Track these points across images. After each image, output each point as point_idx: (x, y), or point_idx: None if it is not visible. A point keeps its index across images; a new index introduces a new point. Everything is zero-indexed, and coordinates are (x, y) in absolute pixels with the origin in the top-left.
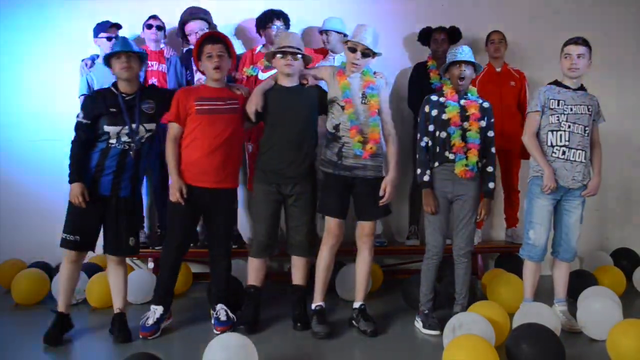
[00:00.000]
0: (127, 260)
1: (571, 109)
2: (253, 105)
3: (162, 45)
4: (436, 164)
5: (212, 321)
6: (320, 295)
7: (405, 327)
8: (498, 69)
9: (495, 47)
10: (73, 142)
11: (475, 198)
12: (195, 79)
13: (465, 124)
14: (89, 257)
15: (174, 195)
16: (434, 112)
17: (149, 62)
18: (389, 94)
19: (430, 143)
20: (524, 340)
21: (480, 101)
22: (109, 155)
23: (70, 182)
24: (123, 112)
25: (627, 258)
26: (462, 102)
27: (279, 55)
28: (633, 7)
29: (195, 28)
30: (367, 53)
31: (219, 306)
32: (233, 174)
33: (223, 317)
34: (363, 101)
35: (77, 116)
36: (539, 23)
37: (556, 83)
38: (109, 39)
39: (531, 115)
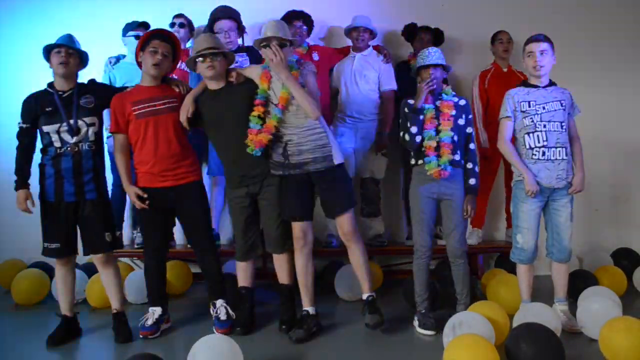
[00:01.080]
0: (127, 260)
1: (543, 108)
2: (184, 114)
3: (188, 44)
4: (420, 161)
5: (213, 320)
6: (307, 300)
7: (406, 327)
8: (504, 69)
9: (504, 47)
10: (17, 149)
11: (462, 197)
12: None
13: (439, 126)
14: (89, 257)
15: (135, 202)
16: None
17: None
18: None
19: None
20: (524, 340)
21: (456, 100)
22: (61, 162)
23: (15, 189)
24: (59, 109)
25: (627, 258)
26: (438, 103)
27: (199, 60)
28: (633, 6)
29: (225, 27)
30: (283, 44)
31: (219, 302)
32: (192, 167)
33: (223, 316)
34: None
35: (18, 123)
36: (539, 23)
37: (524, 84)
38: (136, 37)
39: (502, 122)
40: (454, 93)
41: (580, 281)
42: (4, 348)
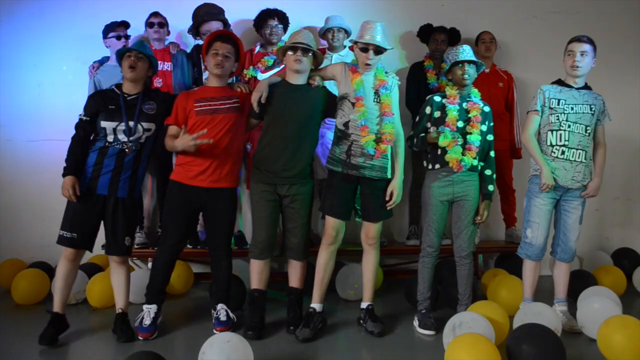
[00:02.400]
0: (129, 261)
1: (572, 108)
2: (258, 93)
3: (166, 43)
4: (437, 166)
5: (213, 321)
6: (316, 296)
7: (406, 327)
8: (486, 70)
9: (486, 47)
10: (72, 138)
11: (474, 200)
12: (204, 77)
13: (468, 127)
14: (88, 257)
15: (192, 140)
16: (437, 114)
17: None
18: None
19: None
20: (525, 340)
21: (482, 104)
22: (107, 155)
23: (64, 175)
24: (122, 110)
25: (627, 258)
26: (465, 104)
27: (289, 52)
28: (632, 6)
29: (212, 28)
30: (380, 50)
31: (220, 306)
32: (231, 174)
33: (223, 317)
34: (375, 100)
35: (80, 115)
36: (539, 23)
37: (559, 82)
38: (117, 37)
39: (530, 115)
40: (480, 96)
41: (580, 281)
42: (4, 348)
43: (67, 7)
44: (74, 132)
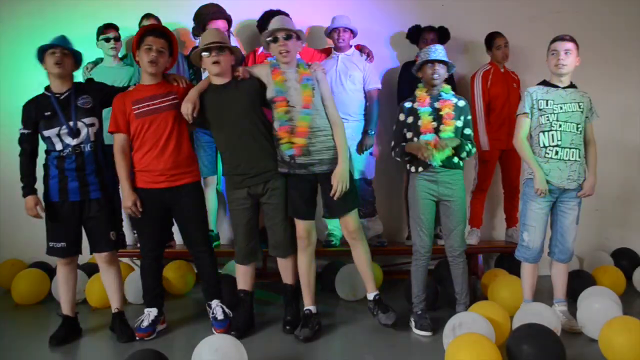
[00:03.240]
0: (127, 260)
1: (561, 108)
2: (190, 105)
3: None
4: (420, 168)
5: (211, 321)
6: (307, 299)
7: (406, 327)
8: (502, 70)
9: (503, 53)
10: (20, 156)
11: (461, 199)
12: (203, 77)
13: (441, 126)
14: (89, 257)
15: (128, 209)
16: (410, 119)
17: None
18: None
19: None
20: (525, 340)
21: (455, 100)
22: (65, 162)
23: (23, 196)
24: (58, 113)
25: (627, 258)
26: (436, 103)
27: (204, 54)
28: (632, 6)
29: (219, 27)
30: (289, 35)
31: (215, 302)
32: (190, 168)
33: (220, 316)
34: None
35: (20, 129)
36: (539, 23)
37: (544, 83)
38: (107, 40)
39: (520, 118)
40: (452, 93)
41: (579, 281)
42: (4, 348)
43: (67, 7)
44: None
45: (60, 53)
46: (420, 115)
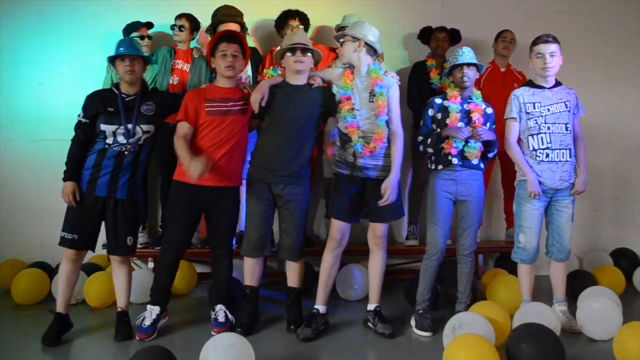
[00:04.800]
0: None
1: (548, 110)
2: (259, 95)
3: (193, 44)
4: (440, 166)
5: (212, 321)
6: (320, 298)
7: (406, 327)
8: (502, 69)
9: (505, 45)
10: (72, 141)
11: (478, 199)
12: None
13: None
14: (89, 257)
15: (195, 172)
16: (439, 115)
17: (176, 60)
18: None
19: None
20: (524, 340)
21: (484, 106)
22: (106, 156)
23: (64, 179)
24: (120, 112)
25: (626, 258)
26: (466, 106)
27: (288, 54)
28: (632, 5)
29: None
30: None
31: (219, 307)
32: (236, 173)
33: (221, 319)
34: (371, 99)
35: (78, 115)
36: (539, 23)
37: (530, 84)
38: (141, 37)
39: (508, 123)
40: (482, 99)
41: (579, 281)
42: (4, 348)
43: (67, 7)
44: (73, 133)
45: (129, 60)
46: (450, 112)
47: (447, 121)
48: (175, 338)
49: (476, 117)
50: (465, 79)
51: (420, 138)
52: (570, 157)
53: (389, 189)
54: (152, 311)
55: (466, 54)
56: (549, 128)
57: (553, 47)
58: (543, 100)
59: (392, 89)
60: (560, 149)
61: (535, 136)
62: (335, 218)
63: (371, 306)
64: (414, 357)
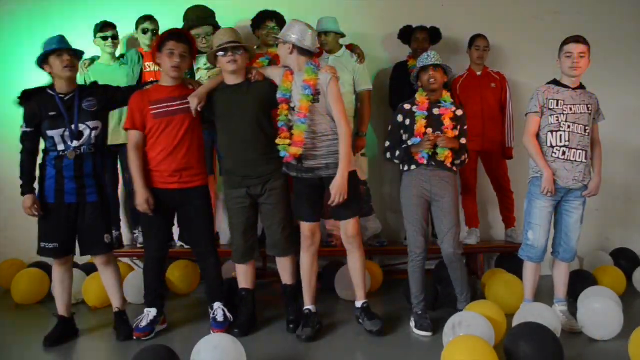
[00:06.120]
0: (127, 260)
1: (570, 109)
2: (196, 100)
3: None
4: (412, 167)
5: (210, 321)
6: (308, 298)
7: (406, 327)
8: (478, 73)
9: (479, 55)
10: (22, 154)
11: (453, 200)
12: (197, 77)
13: (438, 133)
14: (88, 257)
15: (141, 206)
16: (407, 122)
17: (145, 64)
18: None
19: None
20: (524, 340)
21: (454, 109)
22: (64, 164)
23: (22, 194)
24: (63, 114)
25: (626, 258)
26: (435, 110)
27: (220, 54)
28: (632, 6)
29: (202, 32)
30: (282, 42)
31: (217, 305)
32: (200, 172)
33: (220, 318)
34: (313, 100)
35: (21, 127)
36: (539, 23)
37: (555, 82)
38: (104, 38)
39: (530, 117)
40: (452, 101)
41: (580, 281)
42: (4, 348)
43: (67, 7)
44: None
45: (68, 55)
46: (416, 119)
47: (415, 126)
48: (174, 338)
49: (447, 122)
50: (432, 80)
51: (388, 144)
52: (586, 158)
53: (334, 190)
54: (149, 313)
55: (432, 57)
56: (569, 127)
57: (583, 47)
58: (567, 99)
59: (329, 85)
60: (577, 149)
61: (554, 133)
62: (301, 220)
63: (358, 303)
64: (414, 357)
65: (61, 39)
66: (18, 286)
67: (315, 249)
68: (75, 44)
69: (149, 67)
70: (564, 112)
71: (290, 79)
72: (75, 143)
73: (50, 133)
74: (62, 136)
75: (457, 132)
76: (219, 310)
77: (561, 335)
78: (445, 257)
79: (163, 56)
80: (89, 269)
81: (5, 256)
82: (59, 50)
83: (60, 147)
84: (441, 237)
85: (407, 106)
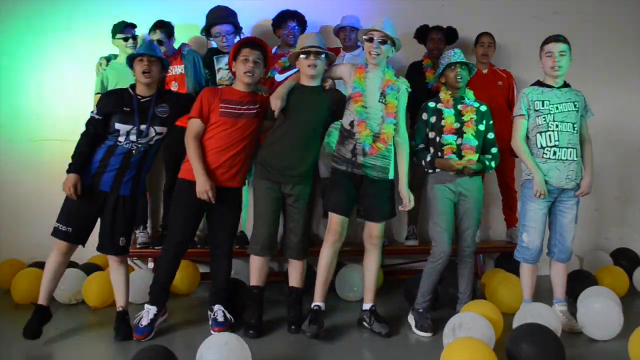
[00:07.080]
0: (127, 260)
1: (557, 108)
2: (279, 101)
3: (177, 44)
4: (437, 169)
5: (210, 322)
6: (319, 295)
7: (406, 327)
8: (485, 71)
9: (483, 51)
10: (81, 135)
11: (478, 198)
12: (218, 77)
13: (463, 128)
14: (89, 257)
15: (201, 194)
16: (432, 119)
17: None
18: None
19: (429, 147)
20: (524, 340)
21: (477, 105)
22: (114, 153)
23: (68, 171)
24: (135, 113)
25: (626, 258)
26: (459, 106)
27: (302, 56)
28: (632, 6)
29: (223, 31)
30: (385, 40)
31: (217, 307)
32: (241, 175)
33: (220, 318)
34: (381, 100)
35: (91, 112)
36: (540, 23)
37: (539, 83)
38: (125, 39)
39: (517, 120)
40: (475, 98)
41: (580, 281)
42: (4, 348)
43: (67, 7)
44: (79, 130)
45: (147, 61)
46: (445, 117)
47: (442, 123)
48: (175, 338)
49: (468, 118)
50: (458, 77)
51: (421, 145)
52: (577, 156)
53: (406, 195)
54: (149, 311)
55: (458, 55)
56: (557, 126)
57: (563, 46)
58: (552, 99)
59: (403, 94)
60: (567, 148)
61: (543, 134)
62: (334, 212)
63: (367, 305)
64: (414, 357)
65: (146, 46)
66: (18, 286)
67: (339, 246)
68: (75, 44)
69: (170, 70)
70: (551, 112)
71: (364, 75)
72: (137, 140)
73: (117, 126)
74: (129, 132)
75: (481, 127)
76: (219, 311)
77: (561, 336)
78: (459, 251)
79: (238, 63)
80: (89, 269)
81: (5, 256)
82: (140, 55)
83: (121, 139)
84: (460, 232)
85: (431, 104)
